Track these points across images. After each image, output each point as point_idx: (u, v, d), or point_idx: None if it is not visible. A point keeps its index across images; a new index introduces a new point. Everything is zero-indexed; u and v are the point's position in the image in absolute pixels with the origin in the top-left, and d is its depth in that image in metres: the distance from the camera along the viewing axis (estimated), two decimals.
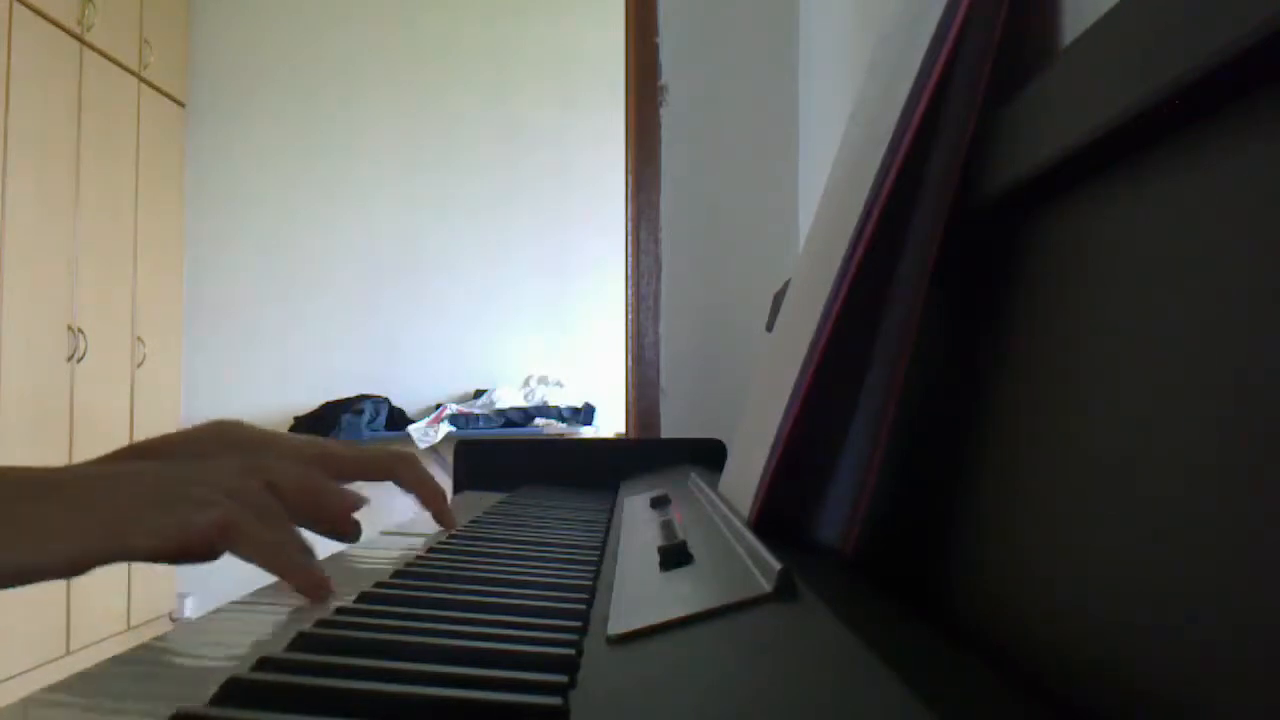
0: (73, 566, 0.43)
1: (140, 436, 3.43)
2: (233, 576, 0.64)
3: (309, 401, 3.81)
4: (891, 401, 0.41)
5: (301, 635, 0.40)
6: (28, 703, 0.32)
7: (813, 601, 0.32)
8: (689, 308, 1.55)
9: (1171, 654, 0.21)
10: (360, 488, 0.69)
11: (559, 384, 3.79)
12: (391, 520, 0.80)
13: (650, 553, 0.52)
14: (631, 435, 1.57)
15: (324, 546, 0.58)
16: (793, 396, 0.44)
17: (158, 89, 3.66)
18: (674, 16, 1.56)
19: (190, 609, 3.60)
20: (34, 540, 0.43)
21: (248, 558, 0.48)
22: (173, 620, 3.48)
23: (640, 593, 0.45)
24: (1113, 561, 0.25)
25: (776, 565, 0.36)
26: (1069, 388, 0.30)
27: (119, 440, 3.38)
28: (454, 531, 0.74)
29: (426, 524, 0.76)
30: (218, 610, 0.48)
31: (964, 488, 0.36)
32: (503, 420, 3.60)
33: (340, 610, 0.45)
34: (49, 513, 0.44)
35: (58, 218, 3.05)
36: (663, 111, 1.56)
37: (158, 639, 0.43)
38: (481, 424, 3.59)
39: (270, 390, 3.88)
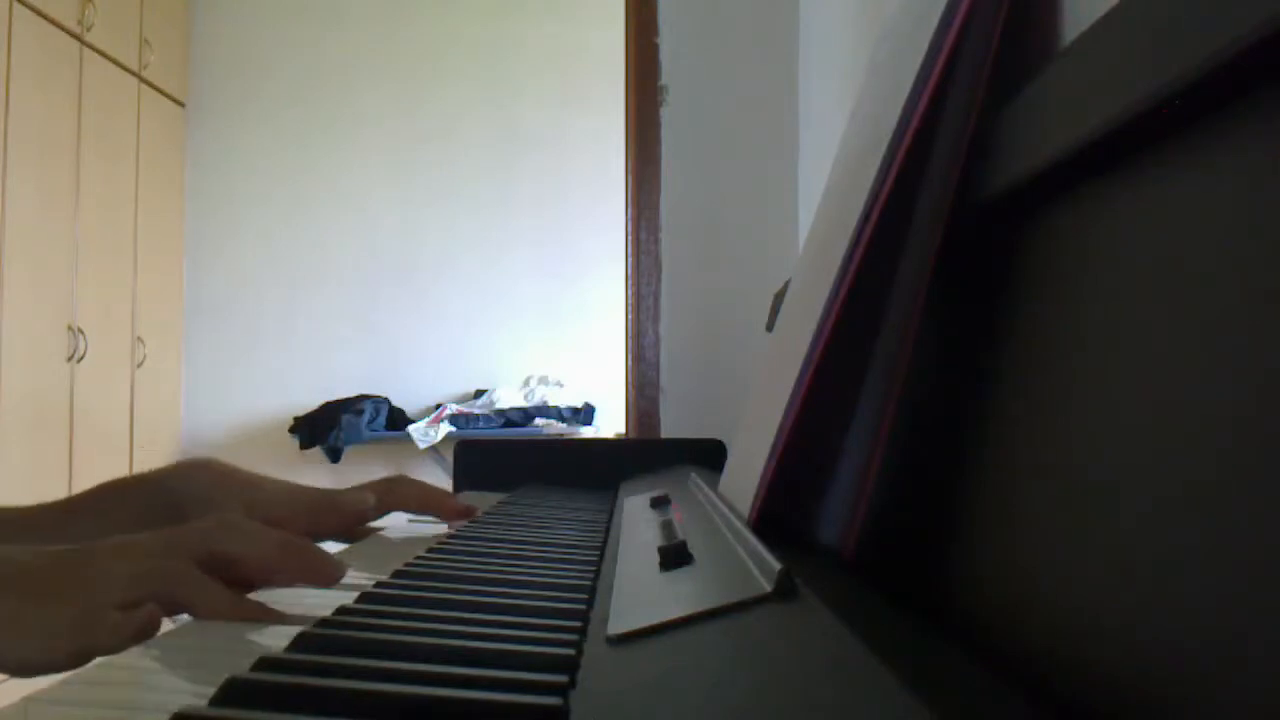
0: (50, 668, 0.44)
1: (140, 437, 3.44)
2: None
3: (309, 401, 3.81)
4: (891, 401, 0.41)
5: (302, 635, 0.40)
6: (28, 702, 0.32)
7: (812, 601, 0.32)
8: (689, 308, 1.55)
9: (1172, 654, 0.21)
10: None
11: (559, 384, 3.79)
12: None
13: (650, 553, 0.52)
14: (631, 435, 1.57)
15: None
16: (793, 396, 0.44)
17: (158, 89, 3.66)
18: (674, 16, 1.56)
19: None
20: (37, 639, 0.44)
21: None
22: (173, 621, 3.48)
23: (640, 593, 0.45)
24: (1112, 562, 0.25)
25: (776, 565, 0.36)
26: (1069, 388, 0.30)
27: (119, 440, 3.38)
28: (454, 531, 0.74)
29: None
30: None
31: (964, 488, 0.36)
32: (503, 420, 3.60)
33: (340, 610, 0.45)
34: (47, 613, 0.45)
35: (58, 217, 3.05)
36: (663, 111, 1.56)
37: (157, 640, 0.43)
38: (481, 424, 3.59)
39: (270, 390, 3.88)
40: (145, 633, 0.45)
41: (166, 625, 0.46)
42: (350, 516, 0.67)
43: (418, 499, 0.79)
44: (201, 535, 0.51)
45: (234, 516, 0.54)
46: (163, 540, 0.51)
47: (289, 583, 0.53)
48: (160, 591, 0.47)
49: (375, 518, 0.73)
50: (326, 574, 0.53)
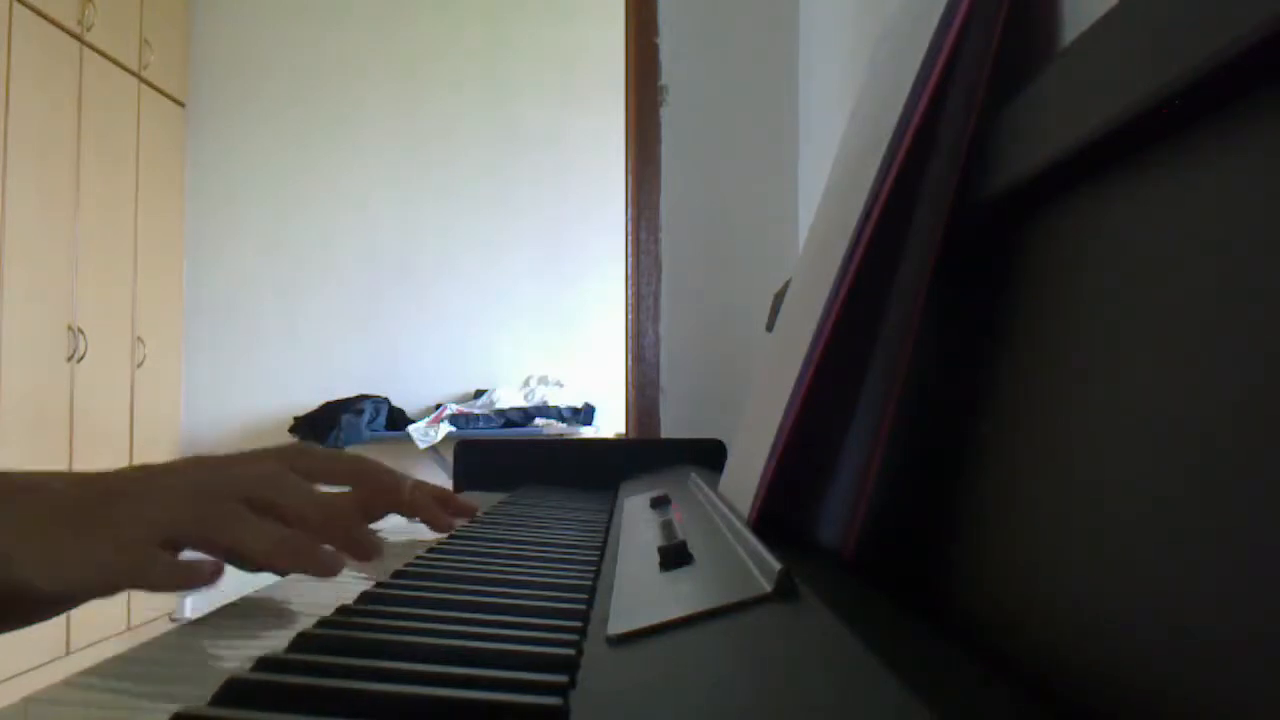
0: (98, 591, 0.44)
1: (140, 437, 3.44)
2: (233, 578, 0.64)
3: (309, 401, 3.81)
4: (891, 401, 0.41)
5: (301, 635, 0.40)
6: (28, 702, 0.32)
7: (812, 601, 0.32)
8: (689, 308, 1.55)
9: (1171, 654, 0.21)
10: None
11: (559, 384, 3.79)
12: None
13: (650, 553, 0.52)
14: (631, 435, 1.57)
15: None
16: (793, 396, 0.44)
17: (158, 89, 3.66)
18: (674, 16, 1.56)
19: (190, 609, 3.60)
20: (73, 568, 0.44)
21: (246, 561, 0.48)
22: (172, 621, 3.48)
23: (640, 593, 0.45)
24: (1112, 561, 0.25)
25: (776, 565, 0.36)
26: (1069, 387, 0.30)
27: (119, 440, 3.38)
28: (454, 531, 0.74)
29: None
30: (217, 611, 0.48)
31: (963, 487, 0.36)
32: (503, 420, 3.60)
33: (340, 610, 0.45)
34: (86, 541, 0.45)
35: (58, 218, 3.05)
36: (663, 111, 1.56)
37: (157, 639, 0.43)
38: (481, 424, 3.58)
39: (270, 390, 3.88)
40: (198, 583, 0.44)
41: (165, 625, 0.46)
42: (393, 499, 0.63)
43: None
44: (249, 480, 0.49)
45: (282, 470, 0.52)
46: (208, 474, 0.49)
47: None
48: (212, 533, 0.46)
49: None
50: (366, 551, 0.50)
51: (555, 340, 3.89)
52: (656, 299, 1.55)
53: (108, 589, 0.44)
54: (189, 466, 0.51)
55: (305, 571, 0.47)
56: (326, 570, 0.47)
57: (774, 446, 0.45)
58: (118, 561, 0.44)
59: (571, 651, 0.38)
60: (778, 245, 1.48)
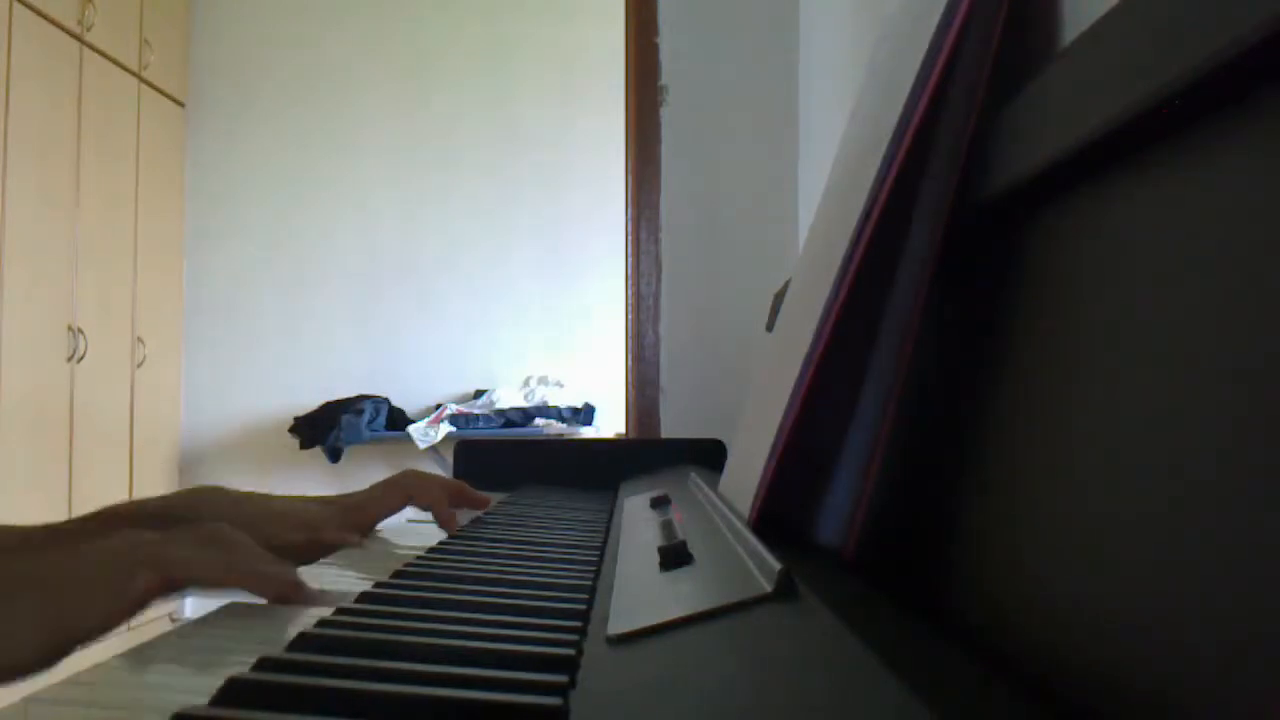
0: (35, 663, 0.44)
1: (140, 437, 3.44)
2: None
3: (309, 401, 3.81)
4: (891, 402, 0.41)
5: (302, 635, 0.40)
6: (28, 702, 0.32)
7: (813, 601, 0.32)
8: (689, 308, 1.55)
9: (1169, 653, 0.21)
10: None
11: (559, 384, 3.79)
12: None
13: (650, 553, 0.52)
14: (631, 435, 1.57)
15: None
16: (793, 396, 0.44)
17: (158, 89, 3.66)
18: (674, 16, 1.56)
19: (190, 609, 3.60)
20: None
21: (198, 584, 0.48)
22: (173, 621, 3.48)
23: (640, 593, 0.45)
24: (1111, 561, 0.25)
25: (776, 565, 0.36)
26: (1069, 387, 0.30)
27: (119, 440, 3.38)
28: (454, 531, 0.75)
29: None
30: (220, 610, 0.48)
31: (963, 488, 0.36)
32: (503, 420, 3.59)
33: (340, 610, 0.45)
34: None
35: (58, 218, 3.05)
36: (663, 111, 1.56)
37: (156, 640, 0.43)
38: (481, 424, 3.58)
39: (270, 390, 3.88)
40: (135, 608, 0.44)
41: (165, 625, 0.46)
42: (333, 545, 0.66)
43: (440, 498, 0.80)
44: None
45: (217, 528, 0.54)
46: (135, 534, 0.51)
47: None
48: (148, 563, 0.47)
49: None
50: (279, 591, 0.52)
51: (555, 340, 3.89)
52: (656, 299, 1.55)
53: (42, 656, 0.44)
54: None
55: (260, 592, 0.48)
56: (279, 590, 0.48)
57: (774, 446, 0.45)
58: (41, 622, 0.44)
59: (571, 651, 0.38)
60: (778, 245, 1.48)
